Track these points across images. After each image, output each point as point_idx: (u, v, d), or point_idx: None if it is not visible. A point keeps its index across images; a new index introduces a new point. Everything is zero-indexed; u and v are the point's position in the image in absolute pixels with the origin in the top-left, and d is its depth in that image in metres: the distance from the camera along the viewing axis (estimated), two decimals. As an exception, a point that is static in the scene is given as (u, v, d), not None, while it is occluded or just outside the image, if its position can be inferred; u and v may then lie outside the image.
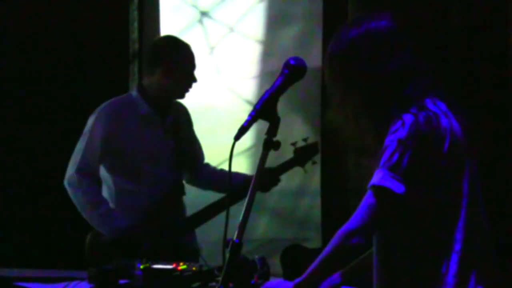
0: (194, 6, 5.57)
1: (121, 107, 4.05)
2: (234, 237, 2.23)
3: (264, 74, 5.51)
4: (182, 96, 4.11)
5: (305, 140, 4.15)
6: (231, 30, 5.57)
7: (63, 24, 5.32)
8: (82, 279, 3.28)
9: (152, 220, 4.00)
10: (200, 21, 5.56)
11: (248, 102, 5.47)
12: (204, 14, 5.56)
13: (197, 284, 3.10)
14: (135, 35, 5.38)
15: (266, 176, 4.08)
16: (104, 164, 4.02)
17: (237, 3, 5.56)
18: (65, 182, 4.00)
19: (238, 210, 2.31)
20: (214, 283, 3.10)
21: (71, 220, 4.78)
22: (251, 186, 2.29)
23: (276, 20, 5.56)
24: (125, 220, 3.95)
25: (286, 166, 4.21)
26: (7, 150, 5.32)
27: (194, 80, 4.07)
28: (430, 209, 2.33)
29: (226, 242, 2.24)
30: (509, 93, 4.80)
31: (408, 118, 2.31)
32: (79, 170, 3.95)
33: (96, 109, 4.07)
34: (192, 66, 4.07)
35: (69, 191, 3.99)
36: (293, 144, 4.19)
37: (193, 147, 4.28)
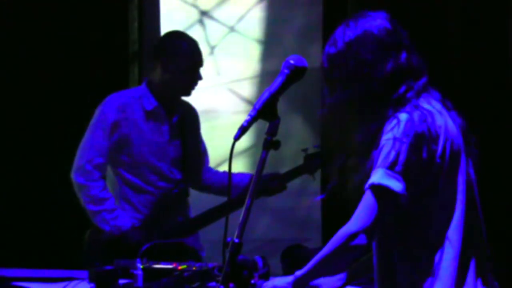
0: (194, 6, 5.56)
1: (129, 99, 4.05)
2: (234, 237, 2.23)
3: (264, 74, 5.50)
4: (186, 93, 4.08)
5: (317, 146, 4.09)
6: (231, 30, 5.57)
7: (63, 24, 5.31)
8: (82, 279, 3.29)
9: (154, 220, 3.99)
10: (200, 21, 5.56)
11: (248, 102, 5.47)
12: (204, 14, 5.56)
13: (197, 284, 3.10)
14: (135, 35, 5.38)
15: (273, 181, 4.06)
16: (110, 156, 3.99)
17: (237, 3, 5.56)
18: (73, 175, 3.97)
19: (239, 211, 2.30)
20: (214, 283, 3.10)
21: (71, 220, 4.78)
22: (251, 186, 2.29)
23: (276, 20, 5.56)
24: (129, 220, 3.94)
25: (295, 173, 4.16)
26: (6, 151, 5.31)
27: (197, 77, 4.04)
28: (426, 206, 2.33)
29: (226, 242, 2.24)
30: (509, 93, 4.81)
31: (402, 116, 2.31)
32: (90, 162, 3.94)
33: (102, 100, 4.06)
34: (192, 62, 4.03)
35: (76, 183, 3.96)
36: (304, 150, 4.13)
37: (198, 150, 4.26)
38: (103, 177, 3.97)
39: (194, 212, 4.23)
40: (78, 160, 3.97)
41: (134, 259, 3.22)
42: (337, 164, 2.46)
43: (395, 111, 2.34)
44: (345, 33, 2.42)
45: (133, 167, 4.01)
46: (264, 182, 4.01)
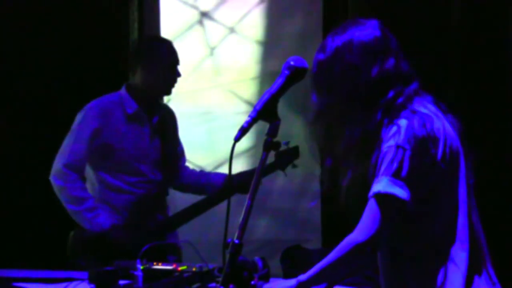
0: (194, 7, 5.56)
1: (109, 105, 4.12)
2: (235, 238, 2.23)
3: (264, 74, 5.50)
4: (167, 92, 4.18)
5: (286, 143, 4.13)
6: (231, 30, 5.57)
7: (63, 25, 5.32)
8: (82, 280, 3.29)
9: (134, 220, 4.03)
10: (200, 22, 5.56)
11: (248, 103, 5.47)
12: (204, 14, 5.56)
13: (197, 284, 3.10)
14: (135, 35, 5.38)
15: (245, 179, 4.07)
16: (90, 160, 4.06)
17: (237, 4, 5.56)
18: (52, 177, 4.05)
19: (239, 211, 2.30)
20: (214, 284, 3.10)
21: (71, 220, 4.77)
22: (251, 187, 2.29)
23: (276, 20, 5.56)
24: (109, 218, 3.99)
25: (266, 170, 4.20)
26: (5, 151, 5.31)
27: (176, 74, 4.13)
28: (429, 210, 2.33)
29: (226, 243, 2.24)
30: (509, 93, 4.81)
31: (402, 123, 2.31)
32: (66, 165, 4.00)
33: (84, 106, 4.12)
34: (171, 61, 4.12)
35: (55, 186, 4.04)
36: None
37: (176, 151, 4.32)
38: (81, 178, 4.05)
39: (171, 210, 4.28)
40: (55, 163, 4.06)
41: (134, 260, 3.22)
42: (328, 168, 2.46)
43: (387, 117, 2.34)
44: (333, 40, 2.43)
45: (115, 170, 4.09)
46: (238, 179, 4.07)
